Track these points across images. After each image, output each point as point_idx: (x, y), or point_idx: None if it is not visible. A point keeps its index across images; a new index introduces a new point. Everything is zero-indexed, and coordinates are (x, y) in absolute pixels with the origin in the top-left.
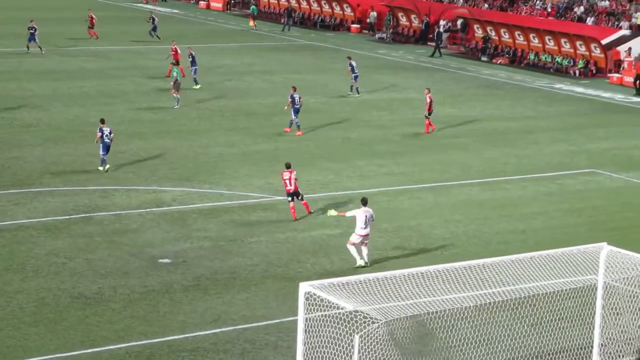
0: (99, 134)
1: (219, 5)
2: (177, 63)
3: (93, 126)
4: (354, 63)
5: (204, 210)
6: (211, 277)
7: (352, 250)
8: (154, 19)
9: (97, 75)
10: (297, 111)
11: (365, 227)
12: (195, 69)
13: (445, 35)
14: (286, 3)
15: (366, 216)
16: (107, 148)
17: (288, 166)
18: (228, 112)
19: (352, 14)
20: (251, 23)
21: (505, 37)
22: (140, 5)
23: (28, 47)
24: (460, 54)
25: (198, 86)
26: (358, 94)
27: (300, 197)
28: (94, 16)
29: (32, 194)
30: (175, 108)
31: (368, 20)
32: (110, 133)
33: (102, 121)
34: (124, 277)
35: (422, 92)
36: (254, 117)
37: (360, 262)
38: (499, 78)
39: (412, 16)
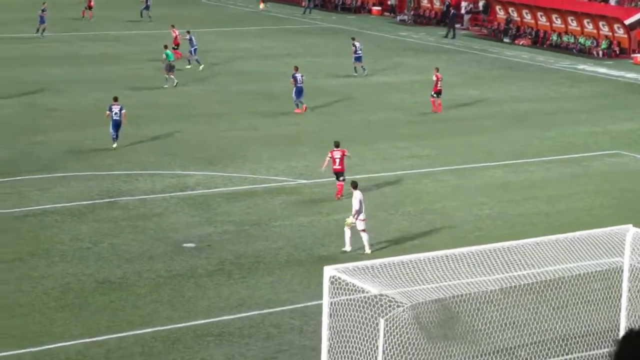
0: (108, 112)
1: None
2: (176, 47)
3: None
4: (357, 44)
5: (227, 194)
6: (235, 262)
7: (347, 233)
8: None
9: (118, 60)
10: (300, 90)
11: (362, 212)
12: (195, 49)
13: (467, 17)
14: None
15: (360, 200)
16: (116, 126)
17: (337, 145)
18: (250, 96)
19: None
20: (261, 6)
21: (528, 18)
22: None
23: (38, 30)
24: (482, 36)
25: (202, 66)
26: (364, 70)
27: (342, 179)
28: None
29: (57, 179)
30: (165, 87)
31: (389, 2)
32: (120, 110)
33: (115, 99)
34: (149, 261)
35: (445, 74)
36: (275, 100)
37: (347, 248)
38: (521, 59)
39: None
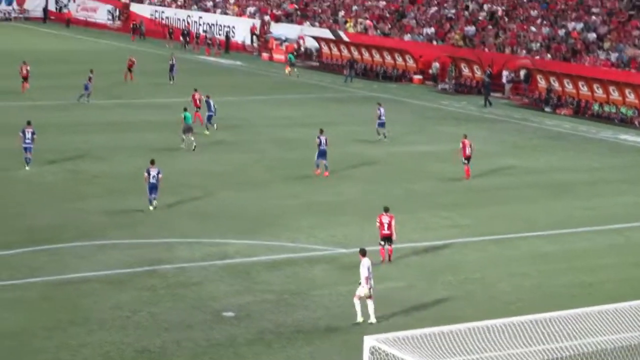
0: (146, 175)
1: (282, 57)
2: (198, 109)
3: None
4: (382, 109)
5: (267, 262)
6: (275, 331)
7: (357, 304)
8: (173, 59)
9: (160, 127)
10: (323, 153)
11: (371, 278)
12: (210, 115)
13: (508, 86)
14: (348, 54)
15: (369, 267)
16: (153, 189)
17: (386, 210)
18: (291, 163)
19: (414, 65)
20: (287, 70)
21: (569, 87)
22: (204, 57)
23: (81, 96)
24: (523, 105)
25: (207, 132)
26: (385, 137)
27: (390, 243)
28: (134, 61)
29: (96, 247)
30: (181, 147)
31: (430, 71)
32: (157, 174)
33: (152, 162)
34: (188, 330)
35: (485, 143)
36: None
37: (359, 319)
38: (562, 129)
39: (475, 67)
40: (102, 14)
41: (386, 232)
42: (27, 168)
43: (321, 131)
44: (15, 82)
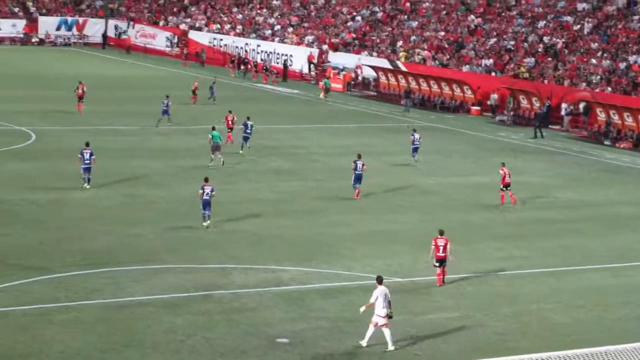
0: (200, 192)
1: (339, 86)
2: (230, 130)
3: (213, 205)
4: (417, 135)
5: (322, 290)
6: (328, 358)
7: (370, 330)
8: (214, 84)
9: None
10: (358, 177)
11: (384, 308)
12: (245, 136)
13: (567, 119)
14: (405, 84)
15: (385, 295)
16: (206, 205)
17: (441, 233)
18: (346, 192)
19: (472, 96)
20: (322, 95)
21: (629, 120)
22: (260, 85)
23: (159, 121)
24: (583, 138)
25: (241, 152)
26: (416, 162)
27: (444, 266)
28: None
29: (152, 271)
30: (209, 166)
31: (489, 102)
32: (211, 191)
33: (206, 180)
34: (242, 356)
35: (543, 175)
36: (371, 197)
37: (363, 343)
38: (622, 162)
39: (534, 99)
40: (160, 41)
41: (441, 254)
42: (86, 187)
43: (359, 156)
44: (73, 107)
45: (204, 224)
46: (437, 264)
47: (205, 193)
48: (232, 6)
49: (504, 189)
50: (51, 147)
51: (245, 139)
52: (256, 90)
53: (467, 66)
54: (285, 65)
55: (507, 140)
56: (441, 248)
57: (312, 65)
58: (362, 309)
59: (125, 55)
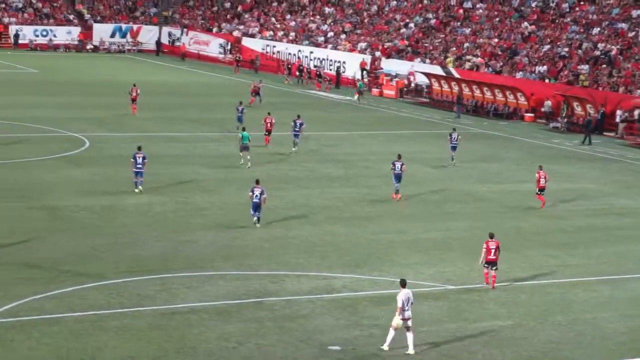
0: (250, 194)
1: (392, 92)
2: (268, 133)
3: (265, 211)
4: (455, 135)
5: (374, 297)
6: None
7: (390, 334)
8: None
9: (270, 160)
10: (398, 177)
11: (407, 310)
12: (295, 134)
13: (621, 125)
14: (458, 91)
15: (409, 298)
16: (256, 207)
17: (492, 236)
18: (399, 199)
19: (525, 102)
20: (356, 97)
21: None
22: (314, 92)
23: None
24: (637, 145)
25: (294, 149)
26: (453, 160)
27: (495, 268)
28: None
29: (204, 278)
30: (240, 164)
31: (543, 109)
32: (261, 193)
33: (257, 182)
34: None
35: (598, 182)
36: (424, 204)
37: (385, 347)
38: None
39: (588, 106)
40: (214, 48)
41: (492, 257)
42: (137, 191)
43: (399, 156)
44: (129, 114)
45: (257, 225)
46: (487, 265)
47: (255, 195)
48: (286, 13)
49: (539, 192)
50: (105, 153)
51: (295, 136)
52: (309, 97)
53: (521, 73)
54: (338, 72)
55: (560, 147)
56: (492, 251)
57: (364, 72)
58: (396, 319)
59: (179, 62)
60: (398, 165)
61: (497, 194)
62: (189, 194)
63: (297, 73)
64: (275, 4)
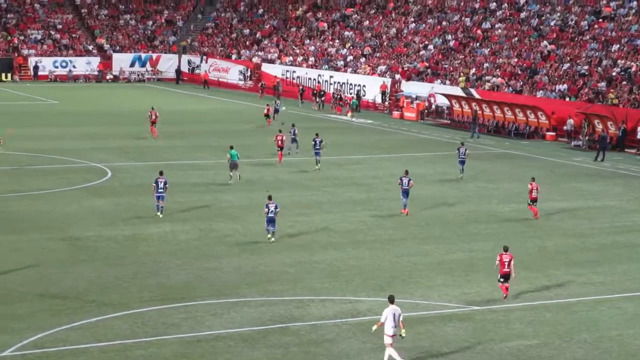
0: (266, 210)
1: (413, 115)
2: (280, 149)
3: (290, 237)
4: (462, 149)
5: None
6: None
7: (393, 353)
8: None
9: (292, 185)
10: (405, 192)
11: (395, 327)
12: (316, 152)
13: None
14: (479, 112)
15: (394, 314)
16: (270, 222)
17: (506, 249)
18: (422, 221)
19: (546, 121)
20: (349, 115)
21: None
22: (335, 116)
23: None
24: None
25: (317, 167)
26: (462, 173)
27: (508, 281)
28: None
29: (229, 304)
30: (229, 183)
31: (565, 127)
32: (275, 208)
33: (270, 197)
34: None
35: (621, 199)
36: (447, 225)
37: None
38: None
39: (609, 123)
40: (233, 75)
41: (506, 270)
42: (159, 215)
43: (406, 172)
44: (149, 141)
45: (269, 237)
46: (502, 280)
47: (270, 211)
48: (305, 38)
49: (531, 203)
50: (127, 183)
51: (317, 154)
52: (329, 121)
53: (541, 92)
54: (358, 95)
55: (583, 165)
56: (506, 264)
57: (385, 95)
58: (374, 328)
59: (200, 89)
60: (405, 180)
61: (520, 213)
62: (212, 221)
63: (313, 97)
64: (294, 29)
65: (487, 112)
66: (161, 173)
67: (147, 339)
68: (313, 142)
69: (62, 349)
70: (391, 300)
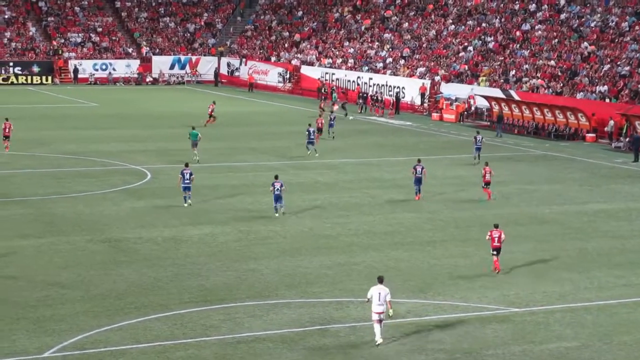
0: (271, 188)
1: (452, 117)
2: (320, 131)
3: (328, 238)
4: (479, 137)
5: (439, 322)
6: None
7: (375, 328)
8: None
9: (331, 187)
10: (419, 180)
11: (381, 304)
12: (310, 141)
13: None
14: (519, 113)
15: (379, 293)
16: (277, 198)
17: (496, 226)
18: (462, 223)
19: (587, 123)
20: (334, 107)
21: None
22: (374, 118)
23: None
24: None
25: (309, 152)
26: (476, 159)
27: (499, 254)
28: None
29: (268, 306)
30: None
31: (606, 128)
32: (281, 186)
33: (276, 177)
34: None
35: None
36: (487, 227)
37: (378, 340)
38: None
39: None
40: (272, 77)
41: (497, 244)
42: (185, 205)
43: (418, 160)
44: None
45: (276, 214)
46: (495, 253)
47: (275, 189)
48: (344, 40)
49: (485, 186)
50: (166, 184)
51: (310, 143)
52: (369, 123)
53: (581, 93)
54: (397, 97)
55: (623, 167)
56: (496, 238)
57: (424, 97)
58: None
59: (238, 92)
60: (419, 169)
61: (561, 215)
62: (252, 223)
63: (360, 100)
64: (333, 31)
65: (526, 113)
66: (187, 165)
67: (186, 340)
68: (307, 132)
69: (102, 350)
70: (380, 280)
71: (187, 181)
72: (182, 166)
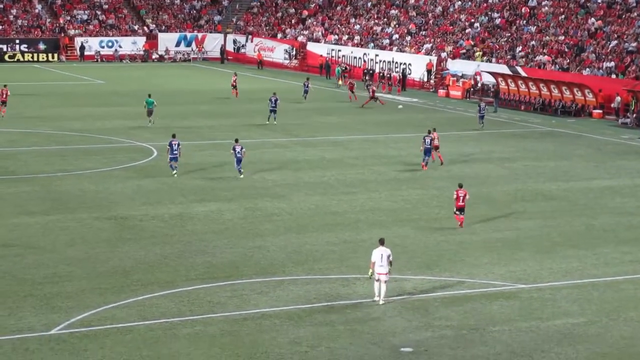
0: (232, 151)
1: (458, 93)
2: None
3: (334, 215)
4: (482, 104)
5: (445, 298)
6: None
7: (375, 286)
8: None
9: (337, 164)
10: (428, 150)
11: (382, 266)
12: (272, 109)
13: None
14: (525, 90)
15: (382, 255)
16: (239, 161)
17: (461, 186)
18: (469, 200)
19: (593, 99)
20: (340, 82)
21: None
22: (380, 95)
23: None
24: None
25: (268, 122)
26: (482, 125)
27: (463, 213)
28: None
29: (275, 283)
30: (148, 126)
31: (613, 105)
32: (242, 149)
33: (236, 140)
34: None
35: None
36: (493, 204)
37: (376, 299)
38: None
39: None
40: (279, 54)
41: (461, 203)
42: (174, 174)
43: (428, 132)
44: (194, 121)
45: (240, 176)
46: (458, 212)
47: (237, 152)
48: (350, 17)
49: (434, 150)
50: None
51: (272, 111)
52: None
53: (588, 69)
54: (403, 74)
55: (630, 143)
56: (461, 198)
57: (430, 74)
58: (370, 271)
59: (244, 69)
60: (428, 140)
61: (567, 191)
62: (258, 200)
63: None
64: (339, 8)
65: (533, 90)
66: (174, 136)
67: (193, 317)
68: (269, 101)
69: (109, 327)
70: (381, 242)
71: (176, 152)
72: (187, 143)
